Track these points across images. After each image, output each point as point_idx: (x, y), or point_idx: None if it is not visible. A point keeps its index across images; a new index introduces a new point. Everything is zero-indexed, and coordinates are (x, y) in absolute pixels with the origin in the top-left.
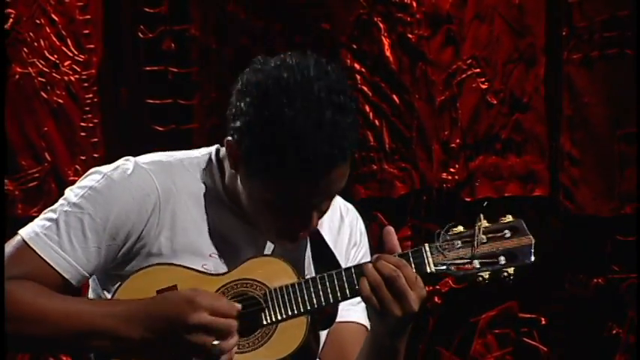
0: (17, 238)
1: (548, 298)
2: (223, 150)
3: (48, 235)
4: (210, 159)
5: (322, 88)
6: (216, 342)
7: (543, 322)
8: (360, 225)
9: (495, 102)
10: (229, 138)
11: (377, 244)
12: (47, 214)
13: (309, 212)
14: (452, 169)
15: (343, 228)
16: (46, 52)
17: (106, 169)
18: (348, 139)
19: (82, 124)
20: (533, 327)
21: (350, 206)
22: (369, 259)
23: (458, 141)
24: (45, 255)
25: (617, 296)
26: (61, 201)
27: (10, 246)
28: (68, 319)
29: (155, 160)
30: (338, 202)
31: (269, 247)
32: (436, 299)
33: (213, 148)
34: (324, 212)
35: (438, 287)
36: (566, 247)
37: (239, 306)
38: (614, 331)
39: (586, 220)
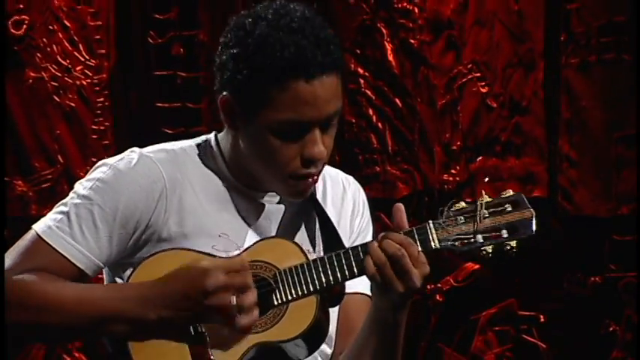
0: (31, 232)
1: (547, 296)
2: (221, 134)
3: (60, 228)
4: (210, 144)
5: (298, 13)
6: (234, 299)
7: (542, 320)
8: (362, 195)
9: (495, 105)
10: (223, 93)
11: None
12: (59, 207)
13: (314, 134)
14: (453, 171)
15: (346, 199)
16: (58, 57)
17: (112, 160)
18: (333, 48)
19: (94, 127)
20: (532, 324)
21: (351, 179)
22: (371, 227)
23: (459, 143)
24: (58, 247)
25: (615, 294)
26: (71, 194)
27: (24, 240)
28: (83, 306)
29: (159, 148)
30: (340, 175)
31: (276, 224)
32: (438, 297)
33: (211, 134)
34: (329, 147)
35: (439, 285)
36: (564, 247)
37: (246, 259)
38: (612, 329)
39: (584, 221)
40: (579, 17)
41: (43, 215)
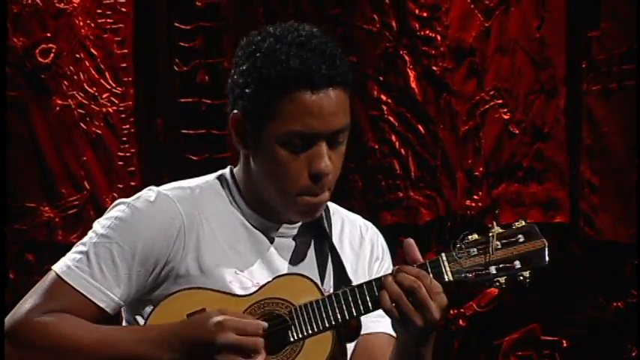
0: (51, 273)
1: (569, 321)
2: (236, 168)
3: (80, 268)
4: (225, 178)
5: (306, 30)
6: None
7: (565, 345)
8: (380, 241)
9: (517, 132)
10: (234, 111)
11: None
12: (77, 247)
13: (321, 147)
14: (475, 197)
15: (364, 244)
16: (85, 85)
17: (130, 199)
18: (339, 62)
19: (120, 153)
20: (554, 349)
21: (370, 224)
22: None
23: (481, 169)
24: (79, 286)
25: (636, 319)
26: (90, 234)
27: (44, 282)
28: (102, 348)
29: (176, 186)
30: (358, 221)
31: (288, 258)
32: (461, 322)
33: (226, 169)
34: (337, 165)
35: (462, 310)
36: (586, 272)
37: (265, 324)
38: (634, 353)
39: (605, 246)
40: (600, 44)
41: (69, 241)
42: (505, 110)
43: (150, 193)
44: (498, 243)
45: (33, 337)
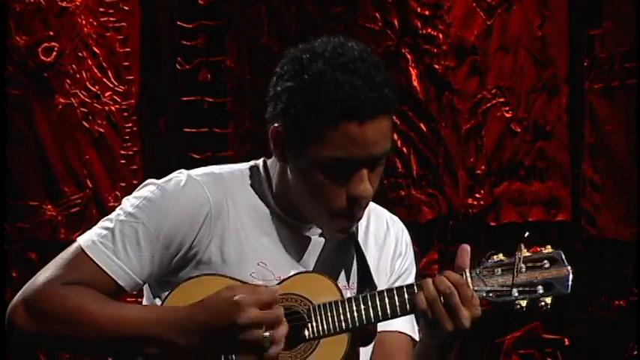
0: (75, 245)
1: (571, 319)
2: (270, 161)
3: (104, 244)
4: (258, 169)
5: (356, 53)
6: (267, 333)
7: (567, 343)
8: (405, 236)
9: (519, 130)
10: (275, 124)
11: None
12: (104, 222)
13: (362, 172)
14: (477, 195)
15: (389, 238)
16: (87, 83)
17: (160, 180)
18: (387, 91)
19: (122, 152)
20: (557, 348)
21: (396, 219)
22: (414, 269)
23: (483, 168)
24: (100, 262)
25: (638, 318)
26: (117, 210)
27: (67, 253)
28: (118, 325)
29: (207, 172)
30: (385, 214)
31: (315, 256)
32: None
33: (260, 160)
34: (375, 185)
35: None
36: (588, 270)
37: (276, 287)
38: (636, 352)
39: (607, 244)
40: (603, 43)
41: (72, 240)
42: (507, 109)
43: (181, 176)
44: (523, 266)
45: (50, 307)
